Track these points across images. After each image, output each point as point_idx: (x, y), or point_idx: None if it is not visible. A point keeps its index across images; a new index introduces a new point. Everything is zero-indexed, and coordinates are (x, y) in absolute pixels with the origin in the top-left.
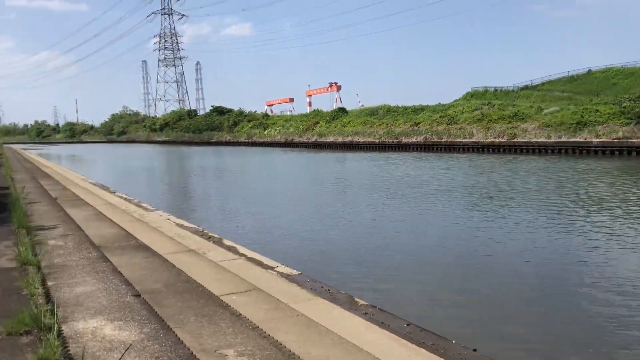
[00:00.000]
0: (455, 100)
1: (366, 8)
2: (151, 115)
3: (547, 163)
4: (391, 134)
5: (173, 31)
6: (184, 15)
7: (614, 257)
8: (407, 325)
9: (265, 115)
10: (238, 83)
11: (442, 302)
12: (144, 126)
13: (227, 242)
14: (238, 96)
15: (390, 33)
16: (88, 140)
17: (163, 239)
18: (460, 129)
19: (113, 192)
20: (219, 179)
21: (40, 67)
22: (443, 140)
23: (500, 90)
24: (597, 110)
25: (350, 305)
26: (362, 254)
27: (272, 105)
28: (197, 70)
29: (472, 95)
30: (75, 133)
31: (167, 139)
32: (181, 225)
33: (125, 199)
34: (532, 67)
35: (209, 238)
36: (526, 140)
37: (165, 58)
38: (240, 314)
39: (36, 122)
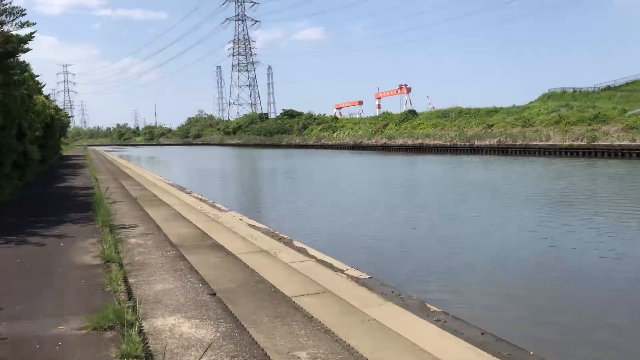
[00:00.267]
0: (531, 102)
1: (439, 9)
2: (225, 118)
3: (630, 167)
4: (463, 137)
5: (246, 37)
6: (256, 21)
7: None
8: (482, 334)
9: (334, 118)
10: (308, 86)
11: (517, 311)
12: (218, 129)
13: (297, 243)
14: (308, 99)
15: (463, 34)
16: (165, 142)
17: (236, 239)
18: (536, 131)
19: (189, 193)
20: (288, 181)
21: (122, 73)
22: (517, 143)
23: (580, 91)
24: None
25: (422, 311)
26: (433, 258)
27: (341, 108)
28: (268, 74)
29: (549, 96)
30: (153, 136)
31: (239, 141)
32: (253, 226)
33: (200, 199)
34: (615, 67)
35: (280, 239)
36: (607, 143)
37: (238, 63)
38: (312, 316)
39: (118, 125)
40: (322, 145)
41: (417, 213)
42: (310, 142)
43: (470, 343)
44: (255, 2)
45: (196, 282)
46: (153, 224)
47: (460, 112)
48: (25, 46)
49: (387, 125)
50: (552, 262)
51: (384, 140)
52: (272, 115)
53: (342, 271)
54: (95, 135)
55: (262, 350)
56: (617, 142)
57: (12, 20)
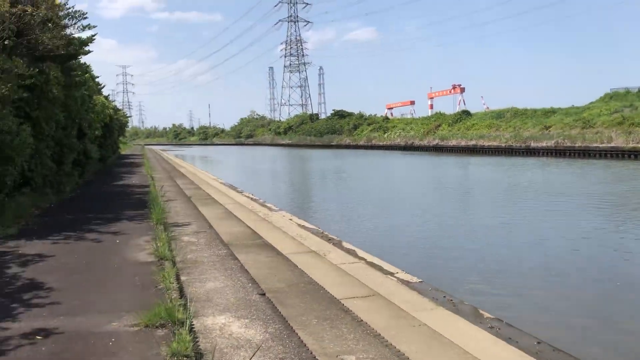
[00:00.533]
0: (592, 103)
1: (495, 7)
2: (276, 119)
3: None
4: (518, 138)
5: (298, 38)
6: (308, 22)
7: None
8: (538, 343)
9: (386, 119)
10: (359, 87)
11: (574, 320)
12: (269, 129)
13: (346, 244)
14: (358, 100)
15: (520, 32)
16: (218, 142)
17: (286, 238)
18: (596, 133)
19: (240, 192)
20: (338, 181)
21: (178, 75)
22: (576, 145)
23: None
24: None
25: (474, 317)
26: (486, 263)
27: (392, 108)
28: (319, 75)
29: (612, 96)
30: (207, 136)
31: (290, 142)
32: (302, 226)
33: (251, 198)
34: None
35: (329, 240)
36: None
37: (290, 64)
38: (362, 320)
39: (174, 125)
40: (372, 145)
41: (469, 216)
42: (361, 143)
43: (525, 352)
44: (307, 3)
45: (246, 281)
46: (205, 222)
47: (516, 113)
48: (86, 48)
49: (439, 125)
50: (612, 269)
51: (436, 141)
52: (323, 116)
53: (392, 274)
54: (152, 134)
55: (311, 353)
56: None
57: (75, 24)
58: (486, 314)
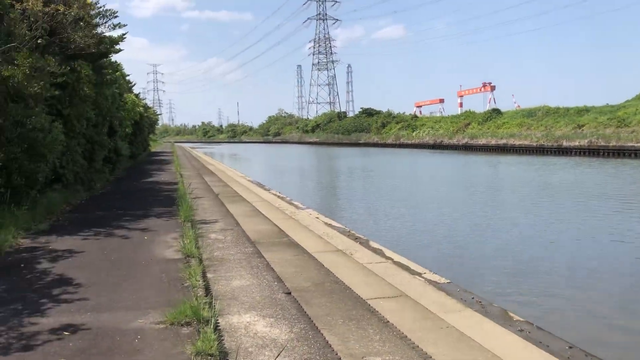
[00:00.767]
0: (627, 101)
1: (526, 4)
2: (304, 117)
3: None
4: (550, 137)
5: (327, 35)
6: (337, 20)
7: None
8: (570, 347)
9: (414, 117)
10: (387, 85)
11: (608, 324)
12: (297, 128)
13: (373, 244)
14: (387, 98)
15: (552, 29)
16: (247, 140)
17: (312, 237)
18: (632, 132)
19: (268, 190)
20: (365, 180)
21: (207, 73)
22: (611, 144)
23: None
24: None
25: (504, 320)
26: (516, 264)
27: (421, 106)
28: (348, 73)
29: None
30: (236, 133)
31: (317, 140)
32: (329, 225)
33: (278, 196)
34: None
35: (356, 239)
36: None
37: (318, 62)
38: (388, 321)
39: (203, 123)
40: (400, 144)
41: (499, 216)
42: (389, 141)
43: (556, 357)
44: (336, 1)
45: (272, 279)
46: (232, 220)
47: (548, 111)
48: (117, 47)
49: (469, 124)
50: None
51: (465, 140)
52: (351, 114)
53: (419, 274)
54: (182, 132)
55: (336, 354)
56: None
57: (105, 22)
58: (516, 317)
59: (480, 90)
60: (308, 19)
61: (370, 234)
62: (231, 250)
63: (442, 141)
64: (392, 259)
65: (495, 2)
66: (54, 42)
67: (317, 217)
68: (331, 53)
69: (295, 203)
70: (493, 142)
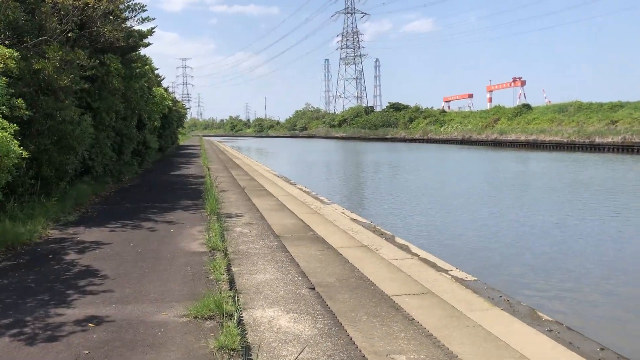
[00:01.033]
0: None
1: None
2: (331, 111)
3: None
4: (582, 133)
5: (355, 30)
6: (365, 13)
7: None
8: (601, 349)
9: (442, 112)
10: (415, 79)
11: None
12: (324, 122)
13: (399, 240)
14: (415, 92)
15: (584, 23)
16: (273, 134)
17: (337, 232)
18: None
19: (294, 184)
20: (392, 175)
21: (235, 67)
22: None
23: None
24: None
25: (532, 319)
26: (545, 262)
27: (449, 101)
28: (375, 67)
29: None
30: (263, 128)
31: (344, 134)
32: (354, 220)
33: (304, 191)
34: None
35: (382, 234)
36: None
37: (346, 56)
38: (413, 319)
39: (230, 117)
40: (428, 139)
41: (527, 212)
42: (416, 136)
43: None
44: None
45: (296, 274)
46: (258, 214)
47: (580, 107)
48: (146, 40)
49: (498, 119)
50: None
51: (494, 135)
52: (378, 109)
53: (446, 271)
54: (210, 126)
55: (360, 351)
56: None
57: (134, 16)
58: (544, 316)
59: (510, 85)
60: (336, 12)
61: (396, 229)
62: (256, 244)
63: (470, 136)
64: (418, 255)
65: None
66: (83, 35)
67: (343, 212)
68: (359, 47)
69: (321, 198)
70: (522, 137)
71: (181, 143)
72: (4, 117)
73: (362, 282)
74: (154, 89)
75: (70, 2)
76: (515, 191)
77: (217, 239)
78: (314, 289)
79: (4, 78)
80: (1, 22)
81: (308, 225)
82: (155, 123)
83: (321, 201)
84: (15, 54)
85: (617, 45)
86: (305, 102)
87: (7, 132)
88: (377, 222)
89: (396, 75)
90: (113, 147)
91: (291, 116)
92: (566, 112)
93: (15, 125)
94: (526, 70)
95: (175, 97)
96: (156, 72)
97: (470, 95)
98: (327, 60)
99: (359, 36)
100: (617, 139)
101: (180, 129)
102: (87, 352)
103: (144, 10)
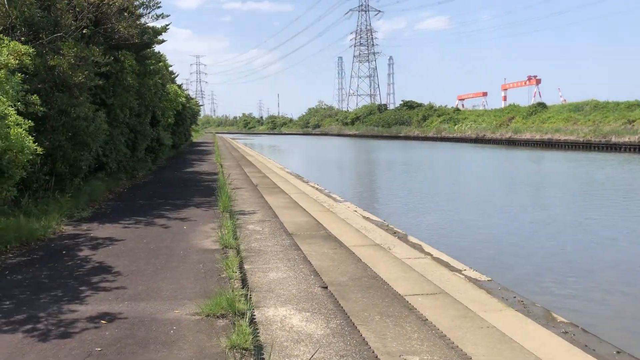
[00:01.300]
0: None
1: None
2: (344, 109)
3: None
4: (598, 133)
5: (369, 27)
6: (380, 11)
7: None
8: (618, 352)
9: (456, 110)
10: (429, 77)
11: None
12: (337, 120)
13: (412, 239)
14: (428, 90)
15: (600, 21)
16: (286, 132)
17: (350, 230)
18: None
19: (306, 182)
20: (405, 174)
21: (248, 64)
22: None
23: None
24: None
25: (547, 321)
26: (559, 262)
27: (463, 99)
28: (389, 65)
29: None
30: (275, 125)
31: (357, 132)
32: (367, 218)
33: (316, 188)
34: None
35: (394, 233)
36: None
37: (360, 54)
38: (427, 319)
39: (243, 114)
40: (441, 137)
41: (542, 212)
42: (430, 134)
43: None
44: None
45: (308, 273)
46: (271, 212)
47: (596, 106)
48: (160, 37)
49: (513, 118)
50: None
51: (509, 134)
52: (391, 107)
53: (459, 271)
54: (223, 123)
55: (373, 351)
56: None
57: (149, 13)
58: (560, 318)
59: (525, 83)
60: (350, 10)
61: (409, 228)
62: (268, 242)
63: (484, 135)
64: (431, 255)
65: None
66: (98, 32)
67: (355, 211)
68: (373, 45)
69: (334, 196)
70: (537, 136)
71: (194, 140)
72: (19, 113)
73: (375, 282)
74: (167, 85)
75: None
76: (530, 190)
77: (230, 236)
78: (326, 287)
79: (19, 74)
80: (17, 19)
81: (320, 223)
82: (169, 120)
83: (334, 199)
84: (31, 50)
85: (634, 44)
86: (318, 99)
87: (21, 128)
88: (389, 220)
89: (410, 73)
90: (127, 144)
91: (304, 113)
92: (582, 111)
93: (30, 121)
94: (542, 68)
95: (188, 94)
96: (170, 68)
97: (485, 94)
98: (340, 58)
99: (373, 34)
100: (634, 138)
101: (193, 126)
102: (99, 349)
103: (159, 7)
